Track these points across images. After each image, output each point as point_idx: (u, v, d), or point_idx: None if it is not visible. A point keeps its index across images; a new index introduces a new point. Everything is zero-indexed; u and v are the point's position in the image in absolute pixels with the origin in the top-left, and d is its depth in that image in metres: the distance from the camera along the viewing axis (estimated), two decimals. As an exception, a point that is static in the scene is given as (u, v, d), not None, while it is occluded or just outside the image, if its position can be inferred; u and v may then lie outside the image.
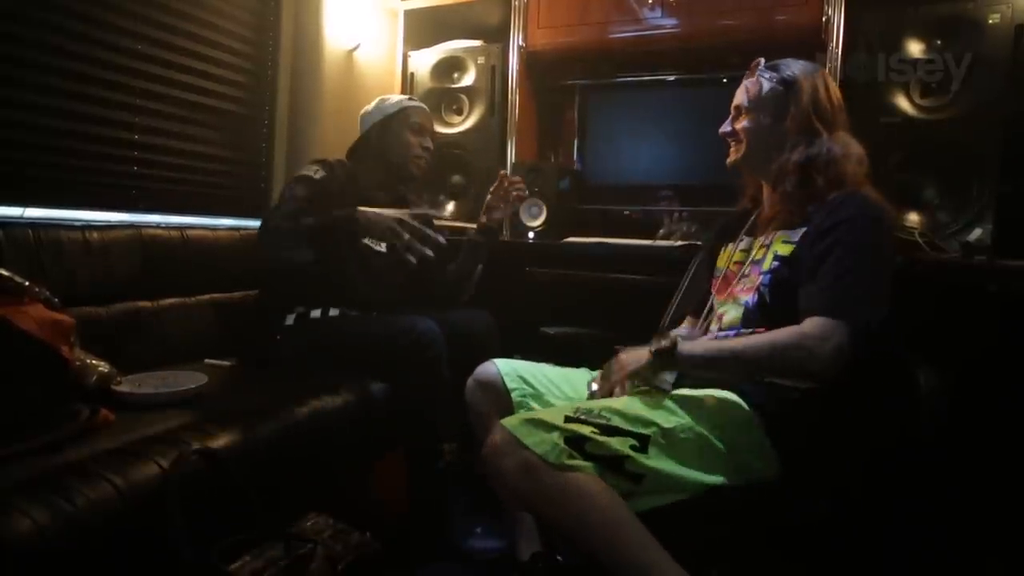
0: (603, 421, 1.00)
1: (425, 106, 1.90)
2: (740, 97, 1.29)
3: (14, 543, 0.82)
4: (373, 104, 1.86)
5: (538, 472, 0.96)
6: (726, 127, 1.31)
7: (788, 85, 1.22)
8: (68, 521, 0.87)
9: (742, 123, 1.27)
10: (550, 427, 0.99)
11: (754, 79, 1.27)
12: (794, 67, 1.25)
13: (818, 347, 1.01)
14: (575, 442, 0.97)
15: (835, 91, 1.24)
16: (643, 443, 1.00)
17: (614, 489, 0.96)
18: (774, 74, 1.24)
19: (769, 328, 1.10)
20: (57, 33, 1.55)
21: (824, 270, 1.07)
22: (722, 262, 1.34)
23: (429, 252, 1.47)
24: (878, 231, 1.11)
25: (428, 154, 1.85)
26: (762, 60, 1.27)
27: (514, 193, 1.85)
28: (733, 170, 1.32)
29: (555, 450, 0.96)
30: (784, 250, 1.17)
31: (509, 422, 1.02)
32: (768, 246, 1.21)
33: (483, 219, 1.89)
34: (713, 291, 1.33)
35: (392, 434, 1.51)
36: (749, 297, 1.19)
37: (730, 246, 1.33)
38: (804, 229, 1.16)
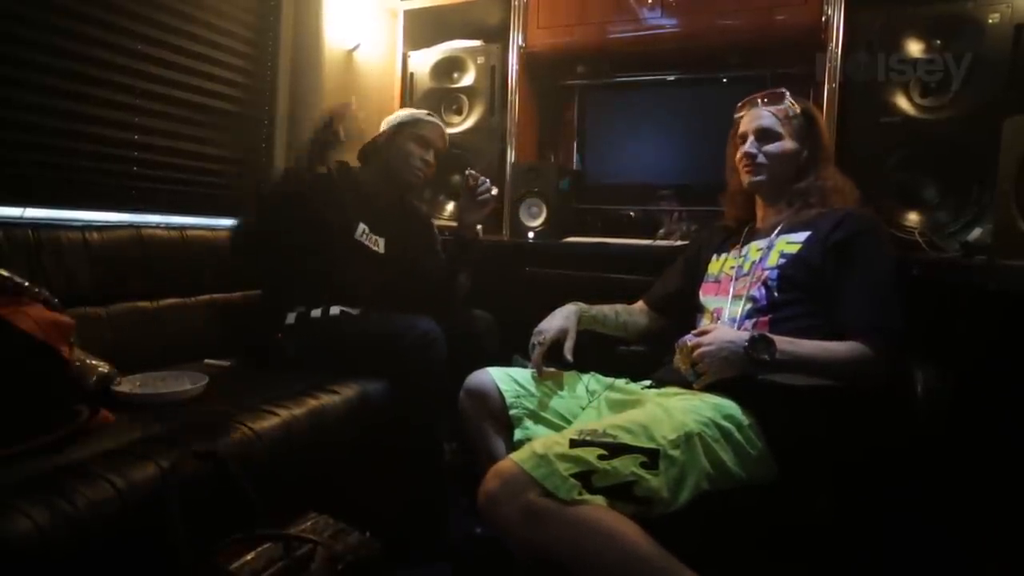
0: (610, 439, 0.97)
1: (441, 124, 1.87)
2: (768, 120, 1.33)
3: (14, 543, 0.82)
4: (396, 113, 1.88)
5: (545, 515, 0.90)
6: (751, 148, 1.33)
7: (809, 118, 1.33)
8: (68, 521, 0.87)
9: (771, 147, 1.32)
10: (557, 456, 0.94)
11: (781, 107, 1.33)
12: (804, 102, 1.36)
13: (879, 367, 1.12)
14: (582, 476, 0.93)
15: None
16: (652, 458, 0.96)
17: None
18: (796, 106, 1.33)
19: (775, 317, 1.20)
20: (57, 33, 1.54)
21: (863, 286, 1.16)
22: (715, 268, 1.40)
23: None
24: (889, 241, 1.25)
25: (427, 167, 1.84)
26: (786, 91, 1.34)
27: (480, 192, 1.73)
28: (750, 188, 1.37)
29: (566, 484, 0.91)
30: (791, 248, 1.25)
31: (519, 456, 0.96)
32: (771, 247, 1.28)
33: (457, 226, 1.83)
34: (704, 294, 1.39)
35: (392, 434, 1.51)
36: (757, 291, 1.25)
37: (723, 255, 1.40)
38: (807, 232, 1.25)
